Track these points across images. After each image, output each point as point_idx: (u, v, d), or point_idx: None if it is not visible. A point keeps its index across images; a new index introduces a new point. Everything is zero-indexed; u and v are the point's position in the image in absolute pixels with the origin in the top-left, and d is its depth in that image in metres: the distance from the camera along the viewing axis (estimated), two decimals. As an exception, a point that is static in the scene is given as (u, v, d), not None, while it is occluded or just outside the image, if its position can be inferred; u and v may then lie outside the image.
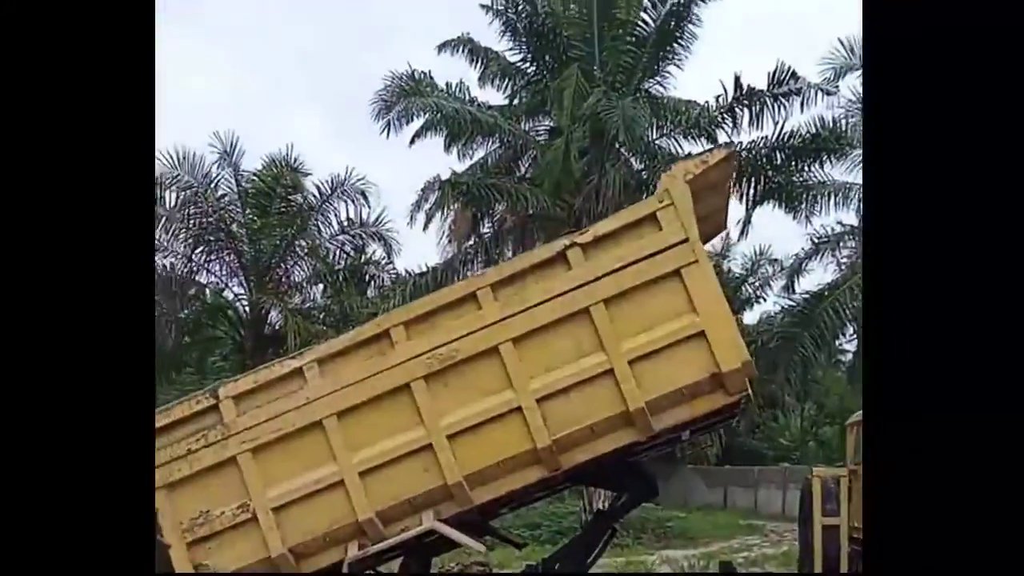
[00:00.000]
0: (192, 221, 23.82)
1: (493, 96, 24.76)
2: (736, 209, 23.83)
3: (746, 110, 21.82)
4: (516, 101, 24.59)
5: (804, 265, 24.55)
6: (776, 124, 21.78)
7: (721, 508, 32.97)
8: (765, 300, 30.12)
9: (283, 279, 24.93)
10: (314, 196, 24.90)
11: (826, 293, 21.82)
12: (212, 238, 23.98)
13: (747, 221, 23.73)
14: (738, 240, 27.58)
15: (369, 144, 56.24)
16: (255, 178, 24.52)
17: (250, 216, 24.43)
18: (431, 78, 23.90)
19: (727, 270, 31.05)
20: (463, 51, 24.22)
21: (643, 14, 22.88)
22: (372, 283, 25.23)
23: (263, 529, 6.84)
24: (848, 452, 9.98)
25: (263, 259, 24.23)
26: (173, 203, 23.87)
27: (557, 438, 6.76)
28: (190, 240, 24.00)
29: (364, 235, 24.88)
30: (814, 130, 21.62)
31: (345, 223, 24.75)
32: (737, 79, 21.65)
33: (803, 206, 22.48)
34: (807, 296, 22.92)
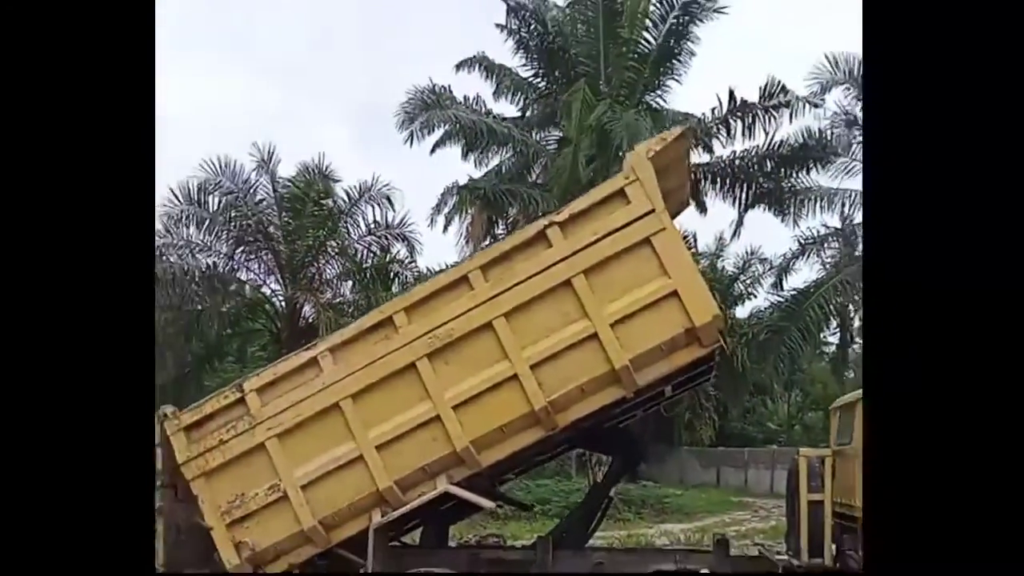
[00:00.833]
0: (233, 224, 23.98)
1: (507, 108, 24.88)
2: (729, 212, 23.87)
3: (739, 121, 21.82)
4: (528, 113, 24.68)
5: (792, 264, 24.45)
6: (767, 134, 21.85)
7: (714, 486, 32.89)
8: (755, 296, 30.01)
9: (316, 276, 24.99)
10: (343, 201, 25.02)
11: (812, 290, 21.71)
12: (251, 239, 24.11)
13: (739, 223, 23.77)
14: (731, 241, 27.76)
15: (392, 153, 56.22)
16: (290, 184, 24.68)
17: (286, 219, 24.56)
18: (450, 92, 24.05)
19: (721, 268, 31.01)
20: (479, 68, 24.32)
21: (645, 33, 22.83)
22: (396, 280, 25.26)
23: (294, 505, 6.98)
24: (831, 434, 9.99)
25: (297, 258, 24.32)
26: (216, 207, 24.05)
27: (552, 399, 6.88)
28: (231, 241, 24.17)
29: (389, 236, 24.92)
30: (802, 140, 21.58)
31: (372, 225, 24.86)
32: (731, 93, 21.70)
33: (791, 210, 22.38)
34: (794, 293, 22.83)
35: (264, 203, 24.39)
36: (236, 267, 24.69)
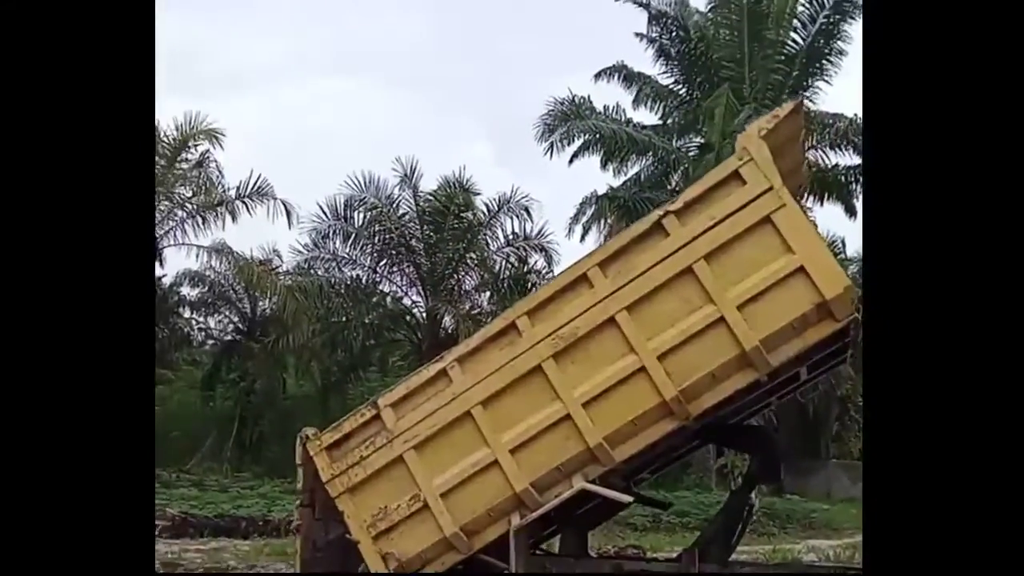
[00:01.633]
0: (377, 237, 24.57)
1: (647, 117, 24.54)
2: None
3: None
4: (669, 121, 24.24)
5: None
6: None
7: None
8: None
9: (456, 288, 25.31)
10: (483, 213, 25.30)
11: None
12: (394, 252, 24.64)
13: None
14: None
15: (531, 165, 56.71)
16: (431, 198, 25.07)
17: (427, 232, 24.95)
18: (590, 102, 23.95)
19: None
20: (618, 77, 24.13)
21: (792, 34, 22.18)
22: (534, 290, 25.31)
23: (435, 514, 7.04)
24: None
25: (438, 270, 24.69)
26: (361, 222, 24.69)
27: (683, 388, 6.73)
28: (375, 254, 24.73)
29: (527, 247, 25.06)
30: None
31: (510, 236, 25.06)
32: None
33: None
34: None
35: (406, 216, 24.85)
36: (379, 279, 25.25)
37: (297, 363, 29.07)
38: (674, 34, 23.14)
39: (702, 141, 23.02)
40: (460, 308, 24.34)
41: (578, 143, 23.67)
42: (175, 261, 26.03)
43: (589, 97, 23.86)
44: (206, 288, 29.16)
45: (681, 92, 23.64)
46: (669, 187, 24.05)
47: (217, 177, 23.99)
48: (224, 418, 27.86)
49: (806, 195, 21.91)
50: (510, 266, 25.15)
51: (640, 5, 23.08)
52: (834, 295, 6.59)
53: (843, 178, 21.95)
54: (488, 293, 25.53)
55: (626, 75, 24.03)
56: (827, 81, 22.55)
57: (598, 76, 24.17)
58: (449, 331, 24.20)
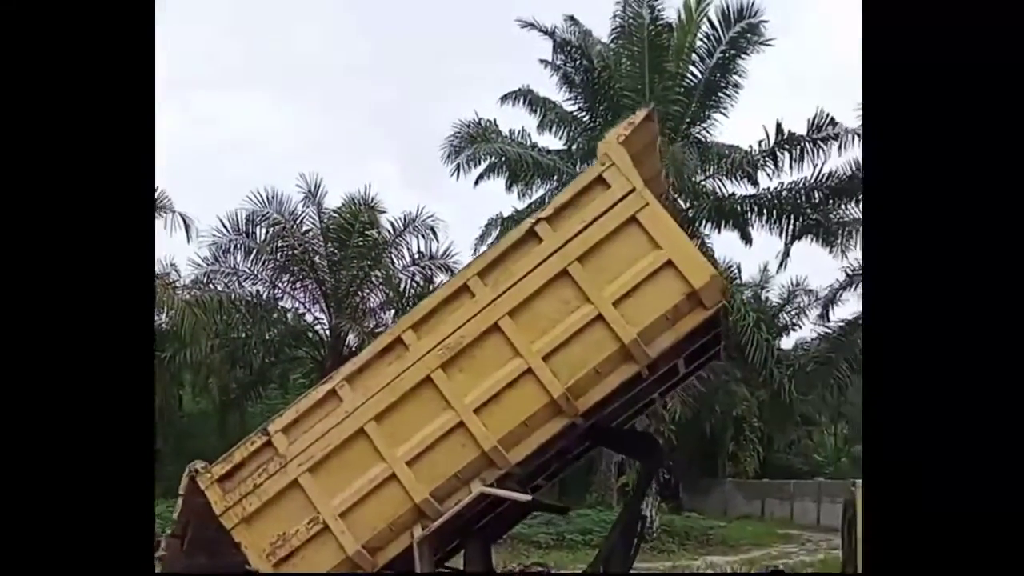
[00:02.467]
0: (279, 253, 24.21)
1: (552, 142, 24.84)
2: (775, 244, 23.58)
3: (787, 153, 21.61)
4: (574, 147, 24.57)
5: (838, 295, 24.16)
6: (815, 166, 21.57)
7: (759, 518, 32.16)
8: (800, 328, 29.68)
9: (360, 305, 25.13)
10: (388, 232, 25.25)
11: (860, 321, 21.41)
12: (296, 268, 24.32)
13: (785, 255, 23.51)
14: (776, 272, 27.44)
15: (438, 186, 56.65)
16: (336, 215, 24.88)
17: (331, 249, 24.74)
18: (496, 126, 24.15)
19: (765, 299, 30.66)
20: (524, 101, 24.37)
21: (691, 67, 22.76)
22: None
23: (335, 534, 7.01)
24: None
25: (342, 287, 24.46)
26: (263, 237, 24.31)
27: (569, 385, 6.94)
28: (276, 270, 24.38)
29: (432, 266, 25.04)
30: (850, 171, 21.20)
31: (416, 256, 25.06)
32: (779, 125, 21.54)
33: (839, 241, 22.07)
34: (842, 323, 22.57)
35: (310, 233, 24.57)
36: (281, 295, 24.89)
37: (194, 379, 28.31)
38: (578, 63, 23.50)
39: (605, 167, 23.43)
40: (364, 326, 24.15)
41: (484, 165, 23.84)
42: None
43: (495, 120, 24.12)
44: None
45: (585, 119, 23.97)
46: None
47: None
48: (116, 436, 26.88)
49: (704, 222, 22.64)
50: (415, 285, 25.09)
51: (545, 33, 23.42)
52: (702, 284, 6.90)
53: (739, 207, 22.64)
54: (393, 311, 25.40)
55: (531, 100, 24.26)
56: (724, 113, 23.21)
57: (504, 99, 24.36)
58: (353, 349, 23.94)
